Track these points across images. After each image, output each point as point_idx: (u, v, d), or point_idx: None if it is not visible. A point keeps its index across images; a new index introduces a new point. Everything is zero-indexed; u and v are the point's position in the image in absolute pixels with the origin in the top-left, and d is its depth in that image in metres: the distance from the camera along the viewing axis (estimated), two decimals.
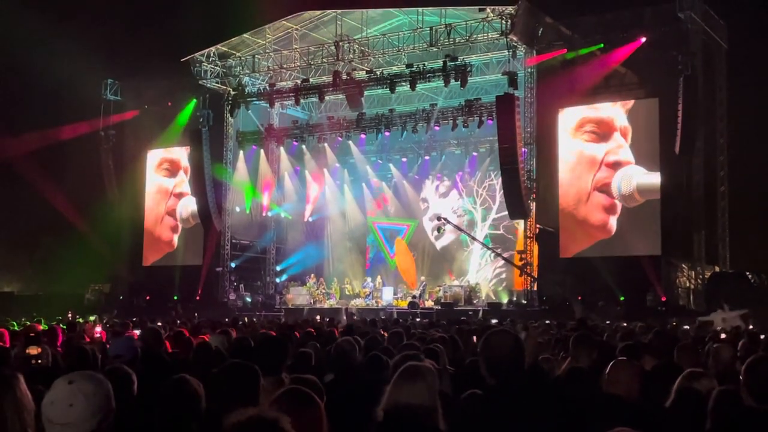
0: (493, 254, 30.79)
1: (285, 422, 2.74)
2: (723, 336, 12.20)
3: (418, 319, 21.74)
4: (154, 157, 34.81)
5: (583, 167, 27.05)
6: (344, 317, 23.73)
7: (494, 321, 19.41)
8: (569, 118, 27.50)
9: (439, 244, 32.45)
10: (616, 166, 26.55)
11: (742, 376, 4.13)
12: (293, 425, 2.73)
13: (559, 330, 12.63)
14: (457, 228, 30.98)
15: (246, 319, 20.18)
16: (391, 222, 34.35)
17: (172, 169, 34.30)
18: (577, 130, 27.26)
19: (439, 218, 29.81)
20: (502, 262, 30.35)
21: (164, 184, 34.52)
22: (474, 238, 31.35)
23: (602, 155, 26.81)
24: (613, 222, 26.58)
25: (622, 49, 26.12)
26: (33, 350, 7.03)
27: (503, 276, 31.24)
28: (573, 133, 27.33)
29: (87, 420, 3.14)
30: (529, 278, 27.08)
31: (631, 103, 26.64)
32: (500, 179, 28.40)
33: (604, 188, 26.72)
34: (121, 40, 32.24)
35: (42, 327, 11.41)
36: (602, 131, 26.87)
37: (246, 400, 3.68)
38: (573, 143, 27.34)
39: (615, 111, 26.79)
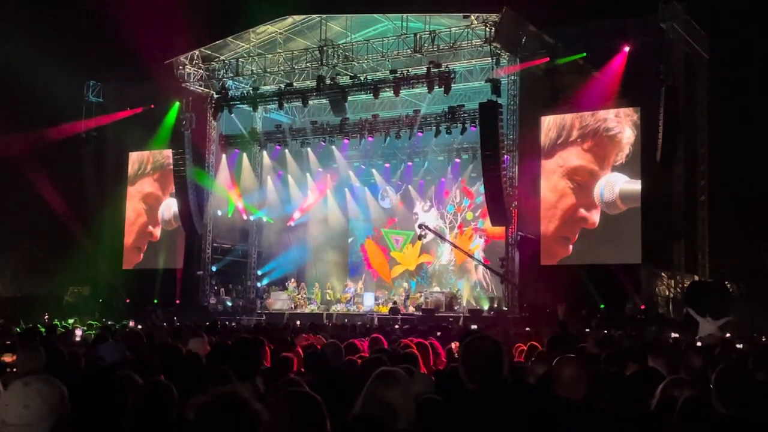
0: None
1: (253, 401, 2.76)
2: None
3: (397, 326, 21.75)
4: (136, 159, 34.63)
5: (566, 174, 27.15)
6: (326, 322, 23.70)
7: (474, 327, 19.48)
8: (554, 123, 27.59)
9: (423, 241, 32.62)
10: (598, 174, 26.67)
11: (712, 383, 4.17)
12: (295, 425, 2.73)
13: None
14: (435, 234, 31.62)
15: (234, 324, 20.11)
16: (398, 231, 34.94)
17: (156, 171, 34.12)
18: (561, 137, 27.34)
19: (420, 226, 30.16)
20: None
21: (147, 187, 34.34)
22: (444, 238, 32.24)
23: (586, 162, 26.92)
24: (593, 230, 26.69)
25: (611, 64, 26.26)
26: (8, 358, 6.97)
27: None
28: (557, 139, 27.42)
29: (43, 421, 3.13)
30: (510, 285, 27.13)
31: (619, 111, 26.72)
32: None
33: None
34: (103, 41, 32.03)
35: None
36: (587, 138, 26.98)
37: None
38: (556, 150, 27.42)
39: (602, 118, 26.89)
